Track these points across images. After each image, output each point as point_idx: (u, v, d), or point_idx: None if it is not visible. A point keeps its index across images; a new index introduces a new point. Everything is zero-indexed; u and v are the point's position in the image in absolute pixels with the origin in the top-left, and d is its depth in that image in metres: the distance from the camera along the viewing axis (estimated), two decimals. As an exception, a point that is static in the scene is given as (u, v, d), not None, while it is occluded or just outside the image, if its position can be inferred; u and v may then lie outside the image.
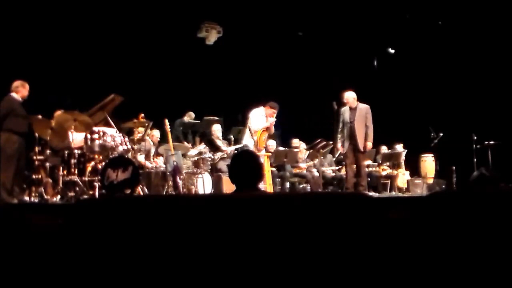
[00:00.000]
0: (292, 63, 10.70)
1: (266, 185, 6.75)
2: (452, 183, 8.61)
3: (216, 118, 9.13)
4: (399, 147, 9.59)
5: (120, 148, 6.31)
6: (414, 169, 9.73)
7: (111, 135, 6.25)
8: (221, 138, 8.33)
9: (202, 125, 9.06)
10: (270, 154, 7.68)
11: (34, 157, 6.26)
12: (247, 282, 1.36)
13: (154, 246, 1.34)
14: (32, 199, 6.15)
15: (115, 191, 5.52)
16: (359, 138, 7.27)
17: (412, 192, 9.16)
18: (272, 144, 8.54)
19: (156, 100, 9.06)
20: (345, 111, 7.44)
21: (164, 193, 6.53)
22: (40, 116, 6.36)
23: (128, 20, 9.06)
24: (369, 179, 8.43)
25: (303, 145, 9.27)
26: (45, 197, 5.98)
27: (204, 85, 10.07)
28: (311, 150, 8.87)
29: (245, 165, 2.82)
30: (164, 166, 7.16)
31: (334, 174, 9.07)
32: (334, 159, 9.30)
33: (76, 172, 6.03)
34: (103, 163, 5.90)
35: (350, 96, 7.43)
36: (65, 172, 6.05)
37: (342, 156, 8.51)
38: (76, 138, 6.19)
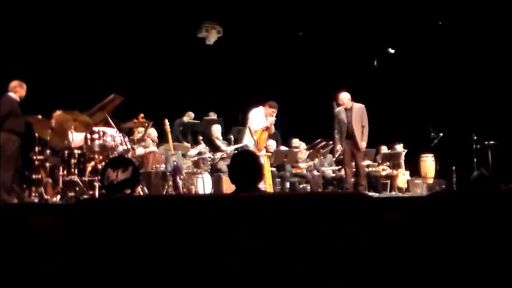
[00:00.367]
0: (292, 63, 10.70)
1: (266, 185, 6.75)
2: (452, 183, 8.61)
3: (213, 116, 9.14)
4: (399, 147, 9.59)
5: (120, 148, 6.31)
6: (414, 169, 9.74)
7: (111, 135, 6.24)
8: (221, 138, 8.33)
9: (202, 125, 9.06)
10: (270, 154, 7.68)
11: (34, 157, 6.26)
12: (247, 282, 1.36)
13: (154, 246, 1.34)
14: (32, 199, 6.15)
15: (115, 191, 5.52)
16: (358, 137, 7.34)
17: (412, 192, 9.16)
18: (272, 144, 8.54)
19: (156, 100, 9.06)
20: (341, 111, 7.49)
21: (164, 193, 6.52)
22: (40, 116, 6.36)
23: (128, 20, 9.06)
24: (368, 179, 8.44)
25: (303, 145, 9.27)
26: (45, 197, 5.97)
27: (204, 85, 10.07)
28: (311, 150, 8.87)
29: (245, 165, 2.82)
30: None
31: (334, 174, 9.07)
32: (334, 159, 9.30)
33: (76, 172, 6.03)
34: (103, 163, 5.90)
35: (345, 97, 7.48)
36: (65, 172, 6.04)
37: (342, 156, 8.51)
38: (76, 138, 6.19)
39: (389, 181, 9.39)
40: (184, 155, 7.50)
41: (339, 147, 7.60)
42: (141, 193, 6.11)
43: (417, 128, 9.31)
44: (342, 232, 1.40)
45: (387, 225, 1.48)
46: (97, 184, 5.87)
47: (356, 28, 10.14)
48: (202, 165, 7.24)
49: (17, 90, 6.36)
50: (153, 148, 7.39)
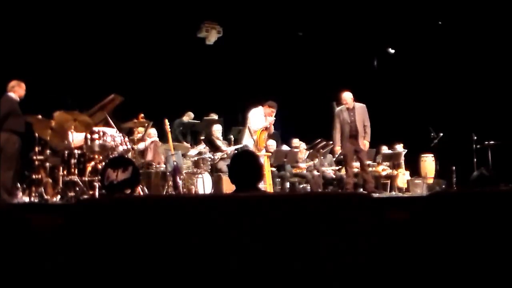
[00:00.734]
0: (292, 63, 10.70)
1: (266, 185, 6.75)
2: (452, 183, 8.61)
3: (215, 117, 9.14)
4: (399, 147, 9.59)
5: (120, 148, 6.31)
6: (414, 169, 9.74)
7: (111, 135, 6.24)
8: (221, 138, 8.33)
9: (202, 125, 9.06)
10: (270, 154, 7.68)
11: (34, 157, 6.26)
12: (247, 282, 1.36)
13: (154, 246, 1.34)
14: (32, 199, 6.15)
15: (115, 191, 5.51)
16: (360, 137, 7.32)
17: (412, 192, 9.16)
18: (272, 144, 8.54)
19: (156, 100, 9.06)
20: (342, 111, 7.45)
21: (164, 193, 6.52)
22: (40, 116, 6.36)
23: (128, 20, 9.06)
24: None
25: (303, 145, 9.27)
26: (45, 197, 5.97)
27: (204, 85, 10.07)
28: (311, 150, 8.87)
29: (245, 165, 2.82)
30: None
31: (334, 174, 9.07)
32: (334, 159, 9.30)
33: (76, 172, 6.02)
34: (103, 163, 5.90)
35: (348, 96, 7.46)
36: (65, 172, 6.04)
37: (342, 156, 8.49)
38: (76, 138, 6.18)
39: (389, 181, 9.39)
40: (184, 155, 7.50)
41: (338, 148, 7.57)
42: (141, 193, 6.11)
43: (417, 128, 9.31)
44: (342, 232, 1.40)
45: (387, 225, 1.48)
46: (97, 184, 5.86)
47: (356, 28, 10.14)
48: (202, 165, 7.24)
49: (15, 90, 6.35)
50: (154, 138, 7.41)
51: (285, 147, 8.94)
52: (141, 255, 1.33)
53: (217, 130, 8.34)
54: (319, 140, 8.52)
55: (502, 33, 9.15)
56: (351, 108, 7.41)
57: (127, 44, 9.26)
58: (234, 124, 9.30)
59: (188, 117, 9.34)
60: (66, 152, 6.16)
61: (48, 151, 6.19)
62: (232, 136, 8.35)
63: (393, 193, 8.98)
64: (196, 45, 10.31)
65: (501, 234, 1.47)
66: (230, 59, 10.30)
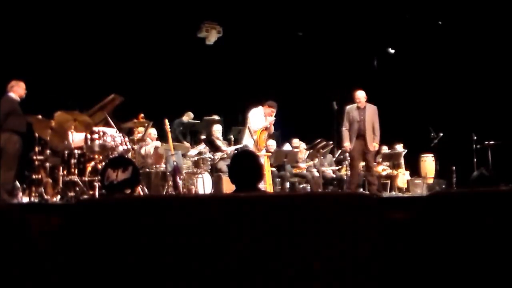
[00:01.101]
0: (292, 63, 10.70)
1: (266, 185, 6.75)
2: (452, 183, 8.61)
3: (216, 118, 9.13)
4: (399, 147, 9.60)
5: (120, 148, 6.31)
6: (414, 169, 9.75)
7: (111, 135, 6.24)
8: (221, 138, 8.33)
9: (202, 125, 9.06)
10: (270, 154, 7.68)
11: (34, 157, 6.26)
12: (247, 282, 1.36)
13: (154, 246, 1.34)
14: (32, 199, 6.15)
15: (115, 191, 5.51)
16: (369, 137, 7.22)
17: (412, 192, 9.17)
18: (272, 144, 8.54)
19: (156, 100, 9.06)
20: (352, 109, 7.35)
21: (164, 193, 6.52)
22: (40, 116, 6.36)
23: (128, 20, 9.06)
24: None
25: (303, 145, 9.28)
26: (45, 197, 5.97)
27: (204, 85, 10.07)
28: (311, 150, 8.87)
29: (245, 165, 2.82)
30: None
31: (334, 174, 9.07)
32: (334, 159, 9.31)
33: (76, 172, 6.02)
34: (103, 163, 5.90)
35: (361, 95, 7.37)
36: (65, 172, 6.04)
37: (342, 156, 8.50)
38: (76, 138, 6.19)
39: (389, 181, 9.40)
40: (184, 155, 7.50)
41: (347, 144, 7.40)
42: (141, 193, 6.11)
43: (417, 128, 9.32)
44: (342, 232, 1.41)
45: (387, 225, 1.48)
46: (97, 184, 5.86)
47: (356, 28, 10.14)
48: (202, 165, 7.24)
49: (15, 90, 6.36)
50: (155, 143, 7.41)
51: (288, 147, 8.93)
52: (141, 255, 1.33)
53: (217, 130, 8.34)
54: (319, 140, 8.53)
55: (502, 33, 9.15)
56: (362, 107, 7.32)
57: (127, 44, 9.26)
58: (234, 124, 9.30)
59: (188, 117, 9.34)
60: (66, 152, 6.16)
61: (48, 151, 6.18)
62: (232, 136, 8.35)
63: (393, 193, 8.99)
64: (196, 45, 10.31)
65: (501, 234, 1.47)
66: (230, 59, 10.30)
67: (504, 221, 1.47)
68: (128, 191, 5.61)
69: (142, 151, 7.15)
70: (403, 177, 9.47)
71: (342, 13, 9.74)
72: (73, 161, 6.05)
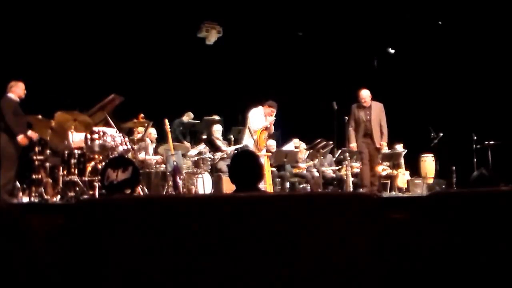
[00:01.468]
0: (292, 63, 10.69)
1: (266, 185, 6.74)
2: (452, 183, 8.60)
3: (217, 118, 9.13)
4: (399, 147, 9.59)
5: (120, 148, 6.31)
6: (414, 169, 9.73)
7: (111, 135, 6.24)
8: (221, 138, 8.33)
9: (202, 125, 9.06)
10: (271, 154, 7.68)
11: (34, 157, 6.26)
12: (247, 282, 1.36)
13: (154, 246, 1.34)
14: (32, 199, 6.15)
15: (115, 191, 5.51)
16: (376, 136, 7.17)
17: (412, 192, 9.16)
18: (273, 144, 8.54)
19: (156, 100, 9.05)
20: (358, 109, 7.28)
21: (164, 193, 6.52)
22: (40, 116, 6.37)
23: (128, 20, 9.06)
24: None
25: (303, 145, 9.27)
26: (45, 197, 5.98)
27: (204, 85, 10.07)
28: (311, 150, 8.87)
29: (245, 165, 2.82)
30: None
31: (334, 174, 9.07)
32: (334, 159, 9.30)
33: (76, 172, 6.02)
34: (103, 163, 5.90)
35: (366, 94, 7.31)
36: (65, 172, 6.04)
37: (342, 156, 8.48)
38: (76, 138, 6.19)
39: (389, 181, 9.39)
40: (184, 155, 7.49)
41: (353, 145, 7.36)
42: (141, 193, 6.11)
43: (417, 128, 9.31)
44: (342, 232, 1.40)
45: (387, 225, 1.48)
46: (97, 184, 5.86)
47: (356, 28, 10.14)
48: (202, 165, 7.24)
49: (13, 90, 6.37)
50: (150, 147, 7.41)
51: (290, 147, 8.91)
52: (141, 255, 1.33)
53: (217, 130, 8.33)
54: (319, 140, 8.51)
55: (502, 33, 9.15)
56: (367, 106, 7.25)
57: (127, 44, 9.26)
58: (234, 124, 9.30)
59: (188, 117, 9.33)
60: (66, 152, 6.16)
61: (48, 151, 6.19)
62: (232, 136, 8.35)
63: (393, 193, 8.98)
64: (196, 45, 10.31)
65: (501, 234, 1.47)
66: (230, 59, 10.30)
67: (504, 221, 1.47)
68: (128, 191, 5.60)
69: (141, 156, 7.13)
70: (403, 177, 9.46)
71: (342, 13, 9.74)
72: (73, 161, 6.05)
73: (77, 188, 5.95)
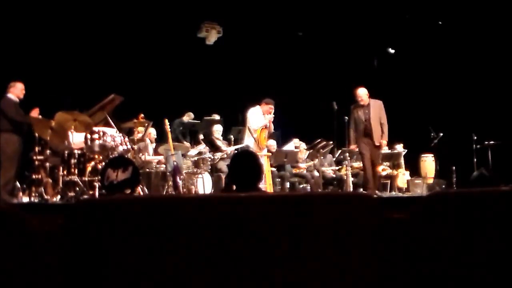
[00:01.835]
0: (292, 63, 10.70)
1: (266, 185, 6.74)
2: (452, 183, 8.60)
3: (217, 118, 9.13)
4: (399, 147, 9.59)
5: (120, 148, 6.31)
6: (414, 169, 9.73)
7: (111, 135, 6.24)
8: (221, 138, 8.33)
9: (202, 125, 9.06)
10: (271, 154, 7.67)
11: (34, 157, 6.26)
12: (247, 282, 1.36)
13: (154, 246, 1.34)
14: (32, 199, 6.15)
15: (115, 191, 5.51)
16: (376, 135, 7.06)
17: (412, 192, 9.16)
18: (273, 144, 8.54)
19: (156, 100, 9.06)
20: (356, 109, 7.20)
21: (164, 193, 6.52)
22: (40, 116, 6.37)
23: (128, 20, 9.06)
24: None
25: (303, 145, 9.27)
26: (45, 197, 5.98)
27: (204, 85, 10.07)
28: (311, 150, 8.87)
29: (245, 165, 2.82)
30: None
31: (334, 174, 9.07)
32: (334, 159, 9.30)
33: (76, 172, 6.03)
34: (103, 163, 5.90)
35: (363, 93, 7.20)
36: (65, 172, 6.05)
37: (342, 156, 8.48)
38: (76, 138, 6.19)
39: (389, 181, 9.39)
40: (184, 155, 7.49)
41: (353, 146, 7.30)
42: (141, 193, 6.11)
43: (417, 128, 9.31)
44: (342, 232, 1.40)
45: (387, 225, 1.48)
46: (97, 184, 5.87)
47: (356, 28, 10.14)
48: (202, 165, 7.24)
49: (12, 91, 6.39)
50: (150, 147, 7.41)
51: (290, 147, 8.91)
52: (141, 255, 1.33)
53: (217, 130, 8.34)
54: (319, 140, 8.52)
55: (502, 33, 9.15)
56: (366, 105, 7.13)
57: (127, 44, 9.26)
58: (234, 124, 9.30)
59: (188, 117, 9.33)
60: (66, 152, 6.16)
61: (48, 151, 6.19)
62: (232, 136, 8.35)
63: (393, 193, 8.98)
64: (196, 45, 10.31)
65: (501, 234, 1.47)
66: (230, 59, 10.30)
67: (504, 221, 1.47)
68: (128, 191, 5.61)
69: (142, 157, 7.13)
70: (403, 177, 9.47)
71: (342, 13, 9.74)
72: (73, 161, 6.05)
73: (77, 188, 5.95)
